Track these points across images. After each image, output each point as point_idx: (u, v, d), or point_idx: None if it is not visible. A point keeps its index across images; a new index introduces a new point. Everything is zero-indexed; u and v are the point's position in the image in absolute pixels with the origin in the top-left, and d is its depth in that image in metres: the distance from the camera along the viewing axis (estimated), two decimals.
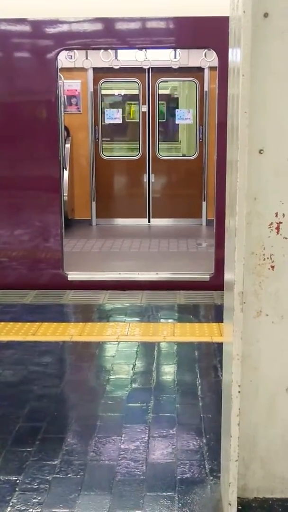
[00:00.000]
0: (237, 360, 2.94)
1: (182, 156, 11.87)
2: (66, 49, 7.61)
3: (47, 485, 3.45)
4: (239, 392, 2.96)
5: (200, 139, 11.15)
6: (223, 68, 6.29)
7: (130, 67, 10.47)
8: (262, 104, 2.89)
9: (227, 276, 3.18)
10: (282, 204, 3.00)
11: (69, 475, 3.56)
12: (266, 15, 2.82)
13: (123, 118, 11.47)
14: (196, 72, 10.83)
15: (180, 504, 3.28)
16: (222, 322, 3.52)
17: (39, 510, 3.24)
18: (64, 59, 9.27)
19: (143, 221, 11.31)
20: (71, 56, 9.68)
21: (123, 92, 11.94)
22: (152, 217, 11.34)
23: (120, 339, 5.62)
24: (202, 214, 11.26)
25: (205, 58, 9.27)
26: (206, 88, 10.91)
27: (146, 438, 3.94)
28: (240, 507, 3.18)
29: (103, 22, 6.93)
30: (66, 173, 10.15)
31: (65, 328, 5.87)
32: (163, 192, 11.43)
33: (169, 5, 6.81)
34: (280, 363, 3.16)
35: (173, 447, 3.84)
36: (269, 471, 3.28)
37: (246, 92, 2.74)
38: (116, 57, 10.05)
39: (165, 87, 11.47)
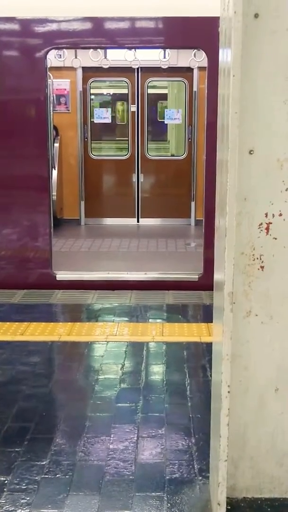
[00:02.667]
0: (227, 360, 2.94)
1: (171, 156, 11.87)
2: (55, 48, 7.59)
3: (35, 486, 3.44)
4: (228, 392, 2.97)
5: (189, 139, 11.16)
6: (212, 68, 6.29)
7: (119, 66, 10.46)
8: (253, 105, 2.90)
9: (217, 276, 3.18)
10: (272, 204, 3.00)
11: (57, 475, 3.55)
12: (256, 15, 2.82)
13: (112, 117, 11.46)
14: (185, 72, 10.84)
15: (169, 504, 3.28)
16: (211, 322, 3.52)
17: (28, 510, 3.23)
18: (53, 58, 9.25)
19: (132, 221, 11.30)
20: (60, 55, 9.67)
21: (112, 91, 11.93)
22: (141, 217, 11.34)
23: (108, 339, 5.62)
24: (191, 214, 11.28)
25: (195, 58, 9.28)
26: (195, 88, 10.92)
27: (135, 438, 3.94)
28: (229, 507, 3.19)
29: (93, 21, 6.92)
30: (54, 173, 10.12)
31: (54, 328, 5.86)
32: (152, 192, 11.43)
33: (158, 5, 6.81)
34: (270, 363, 3.16)
35: (162, 447, 3.83)
36: (258, 471, 3.29)
37: (236, 92, 2.74)
38: (105, 57, 10.04)
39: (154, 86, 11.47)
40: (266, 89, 2.89)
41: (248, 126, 2.91)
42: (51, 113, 8.57)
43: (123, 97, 11.42)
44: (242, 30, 2.73)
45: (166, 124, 11.52)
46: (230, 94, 2.74)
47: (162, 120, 11.37)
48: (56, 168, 10.44)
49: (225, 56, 2.93)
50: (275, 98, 2.90)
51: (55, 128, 10.50)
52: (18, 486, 3.44)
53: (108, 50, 10.03)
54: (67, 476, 3.53)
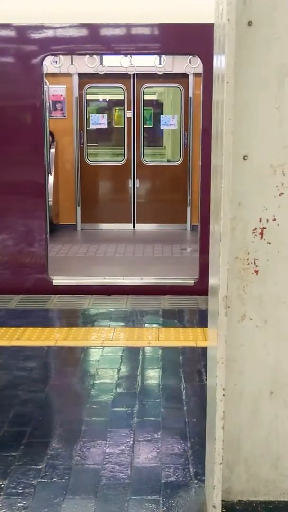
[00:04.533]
0: (222, 364, 2.97)
1: (167, 161, 11.91)
2: (52, 55, 7.62)
3: (32, 490, 3.46)
4: (223, 395, 2.99)
5: (184, 144, 11.20)
6: (207, 75, 6.34)
7: (115, 72, 10.50)
8: (247, 111, 2.93)
9: (212, 280, 3.21)
10: (266, 209, 3.04)
11: (54, 479, 3.56)
12: (250, 23, 2.86)
13: (108, 123, 11.50)
14: (180, 78, 10.88)
15: (165, 508, 3.30)
16: (207, 326, 3.55)
17: None
18: (49, 64, 9.28)
19: (128, 226, 11.32)
20: (57, 61, 9.69)
21: (108, 97, 11.97)
22: (137, 222, 11.36)
23: (105, 343, 5.63)
24: (187, 219, 11.31)
25: (190, 64, 9.33)
26: (190, 94, 10.97)
27: (131, 442, 3.96)
28: (224, 510, 3.21)
29: (89, 28, 6.96)
30: (51, 178, 10.15)
31: (50, 333, 5.87)
32: (147, 197, 11.46)
33: (154, 12, 6.85)
34: (264, 367, 3.19)
35: (158, 451, 3.85)
36: (253, 474, 3.31)
37: (230, 99, 2.78)
38: (101, 63, 10.08)
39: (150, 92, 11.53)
40: (259, 96, 2.93)
41: (242, 132, 2.94)
42: (47, 119, 8.59)
43: (119, 103, 11.46)
44: (236, 37, 2.76)
45: (162, 129, 11.57)
46: (224, 100, 2.77)
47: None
48: (52, 173, 10.46)
49: (219, 62, 2.96)
50: (268, 105, 2.93)
51: (51, 134, 10.52)
52: (14, 490, 3.45)
53: (104, 56, 10.07)
54: (63, 480, 3.54)
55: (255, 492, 3.33)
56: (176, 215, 11.32)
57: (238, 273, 3.09)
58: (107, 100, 11.97)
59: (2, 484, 3.50)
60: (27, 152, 7.05)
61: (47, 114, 8.64)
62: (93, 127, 11.25)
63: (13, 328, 5.97)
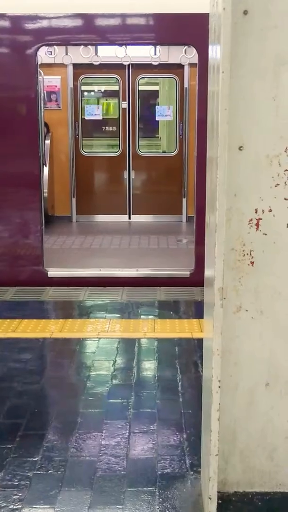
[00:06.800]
0: (217, 355, 2.96)
1: (162, 152, 11.88)
2: (46, 45, 7.57)
3: (27, 482, 3.45)
4: (219, 387, 2.98)
5: (180, 135, 11.16)
6: (203, 65, 6.30)
7: (110, 63, 10.46)
8: (242, 101, 2.91)
9: (207, 272, 3.19)
10: (261, 200, 3.02)
11: (49, 471, 3.56)
12: (245, 12, 2.84)
13: (103, 114, 11.44)
14: (176, 68, 10.83)
15: (160, 499, 3.30)
16: (202, 318, 3.54)
17: (20, 506, 3.24)
18: (44, 55, 9.23)
19: (124, 218, 11.29)
20: (51, 52, 9.64)
21: (103, 88, 11.91)
22: (132, 214, 11.34)
23: (100, 335, 5.62)
24: (183, 211, 11.28)
25: (185, 55, 9.30)
26: (186, 85, 10.92)
27: (127, 434, 3.95)
28: (220, 501, 3.20)
29: (83, 18, 6.91)
30: (46, 170, 10.11)
31: (45, 325, 5.86)
32: (143, 188, 11.43)
33: (149, 2, 6.81)
34: (260, 358, 3.18)
35: (153, 442, 3.85)
36: (248, 465, 3.31)
37: (226, 88, 2.75)
38: (96, 53, 10.03)
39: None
40: (255, 86, 2.90)
41: (237, 122, 2.92)
42: (42, 110, 8.56)
43: (114, 94, 11.41)
44: (231, 27, 2.74)
45: (157, 120, 11.53)
46: (219, 90, 2.75)
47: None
48: (47, 165, 10.43)
49: (214, 52, 2.94)
50: (264, 95, 2.91)
51: (46, 125, 10.48)
52: (10, 482, 3.44)
53: (99, 47, 10.02)
54: (59, 472, 3.54)
55: (251, 484, 3.33)
56: (171, 206, 11.30)
57: (234, 265, 3.08)
58: (102, 91, 11.91)
59: None
60: (21, 144, 7.01)
61: (42, 105, 8.60)
62: (88, 118, 11.19)
63: (8, 320, 5.96)
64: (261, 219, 3.04)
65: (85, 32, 7.05)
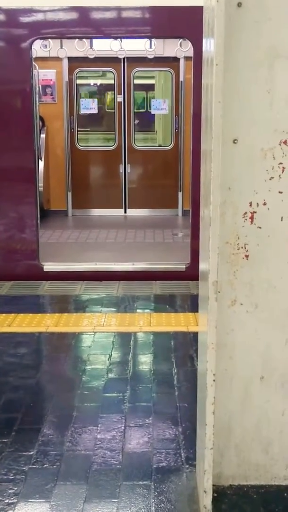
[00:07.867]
0: (212, 349, 2.96)
1: (158, 146, 11.85)
2: (41, 38, 7.55)
3: (23, 476, 3.45)
4: (214, 380, 2.98)
5: (176, 129, 11.15)
6: (198, 58, 6.26)
7: (105, 56, 10.42)
8: (236, 94, 2.90)
9: (202, 265, 3.19)
10: (256, 193, 3.01)
11: (45, 465, 3.56)
12: (239, 4, 2.82)
13: (99, 108, 11.42)
14: (171, 62, 10.81)
15: (156, 493, 3.31)
16: (198, 311, 3.53)
17: (15, 500, 3.24)
18: (38, 48, 9.19)
19: (119, 212, 11.28)
20: (46, 45, 9.58)
21: (98, 82, 11.88)
22: (128, 208, 11.33)
23: (96, 329, 5.62)
24: (178, 204, 11.28)
25: (181, 48, 9.26)
26: (181, 78, 10.90)
27: (122, 427, 3.96)
28: (215, 495, 3.21)
29: (78, 11, 6.88)
30: (41, 164, 10.08)
31: (41, 319, 5.86)
32: (139, 182, 11.41)
33: None
34: (255, 352, 3.18)
35: (149, 436, 3.85)
36: (243, 458, 3.32)
37: (219, 81, 2.74)
38: (91, 47, 9.99)
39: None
40: (249, 79, 2.89)
41: (231, 115, 2.91)
42: (37, 103, 8.52)
43: (109, 87, 11.38)
44: (225, 19, 2.73)
45: (153, 114, 11.51)
46: (213, 83, 2.74)
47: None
48: (43, 159, 10.40)
49: (208, 45, 2.93)
50: (258, 88, 2.90)
51: (41, 118, 10.44)
52: (5, 477, 3.45)
53: (94, 40, 9.98)
54: (54, 466, 3.54)
55: (246, 477, 3.33)
56: (167, 200, 11.29)
57: (229, 258, 3.07)
58: (98, 84, 11.88)
59: None
60: (17, 137, 7.00)
61: (37, 98, 8.57)
62: (83, 112, 11.16)
63: (4, 314, 5.95)
64: (255, 212, 3.03)
65: (80, 25, 7.02)
